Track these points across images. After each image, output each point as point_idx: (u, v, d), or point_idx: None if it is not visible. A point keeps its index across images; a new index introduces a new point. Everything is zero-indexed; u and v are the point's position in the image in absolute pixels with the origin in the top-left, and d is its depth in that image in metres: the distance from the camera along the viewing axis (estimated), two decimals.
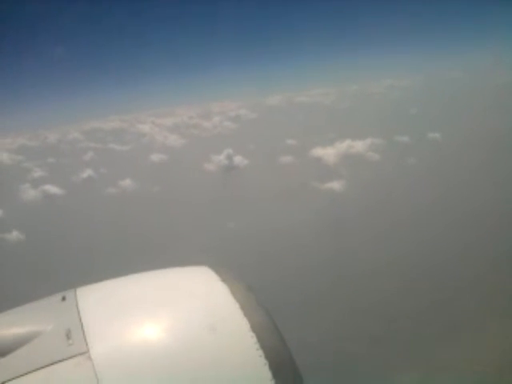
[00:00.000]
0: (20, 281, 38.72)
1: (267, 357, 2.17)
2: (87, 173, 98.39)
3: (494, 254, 37.82)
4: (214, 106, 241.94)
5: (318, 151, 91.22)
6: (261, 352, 2.19)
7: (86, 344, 2.21)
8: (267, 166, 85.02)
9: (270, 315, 2.50)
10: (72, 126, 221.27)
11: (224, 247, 43.99)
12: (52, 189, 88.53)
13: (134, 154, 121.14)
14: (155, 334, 2.31)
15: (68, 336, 2.28)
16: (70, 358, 2.15)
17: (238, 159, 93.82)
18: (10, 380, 2.06)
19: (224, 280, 2.67)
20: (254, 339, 2.23)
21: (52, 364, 2.12)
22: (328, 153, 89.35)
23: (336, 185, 69.19)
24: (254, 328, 2.29)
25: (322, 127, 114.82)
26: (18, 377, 2.07)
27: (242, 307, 2.40)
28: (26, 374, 2.08)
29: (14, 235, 61.94)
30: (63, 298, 2.70)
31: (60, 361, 2.13)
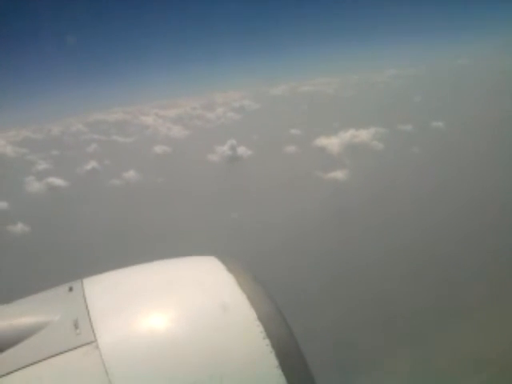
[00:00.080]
0: (26, 272, 39.04)
1: (274, 346, 2.17)
2: (91, 165, 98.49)
3: (499, 243, 37.69)
4: (217, 97, 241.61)
5: (322, 141, 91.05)
6: (268, 341, 2.18)
7: (94, 333, 2.23)
8: (271, 157, 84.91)
9: (277, 305, 2.49)
10: (75, 118, 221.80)
11: (228, 237, 44.08)
12: (56, 181, 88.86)
13: (138, 146, 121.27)
14: (162, 323, 2.32)
15: (75, 326, 2.30)
16: (78, 347, 2.16)
17: (242, 150, 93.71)
18: (18, 369, 2.09)
19: (230, 270, 2.66)
20: (261, 328, 2.23)
21: (60, 353, 2.14)
22: (332, 142, 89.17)
23: (340, 174, 69.05)
24: (261, 318, 2.28)
25: (325, 117, 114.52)
26: (26, 366, 2.09)
27: (249, 297, 2.40)
28: (35, 363, 2.10)
29: (19, 227, 62.27)
30: (70, 289, 2.70)
31: (68, 350, 2.15)
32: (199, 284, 2.62)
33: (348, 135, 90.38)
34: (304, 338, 2.90)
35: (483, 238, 39.31)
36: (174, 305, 2.45)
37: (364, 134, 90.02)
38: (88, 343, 2.17)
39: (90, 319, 2.33)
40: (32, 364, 2.10)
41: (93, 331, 2.24)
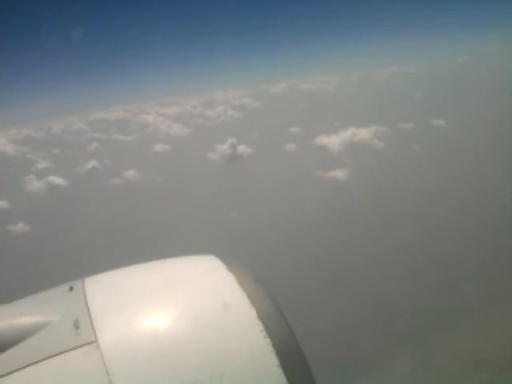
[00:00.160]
0: (26, 272, 39.04)
1: (274, 345, 2.18)
2: (91, 164, 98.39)
3: (499, 243, 37.63)
4: (217, 95, 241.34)
5: (323, 139, 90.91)
6: (268, 340, 2.19)
7: (95, 333, 2.23)
8: (271, 155, 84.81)
9: (278, 305, 2.50)
10: (76, 117, 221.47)
11: (227, 236, 44.05)
12: (57, 180, 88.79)
13: (138, 145, 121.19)
14: (162, 322, 2.33)
15: (76, 326, 2.30)
16: (79, 347, 2.16)
17: (242, 148, 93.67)
18: (19, 369, 2.08)
19: (231, 269, 2.66)
20: (261, 327, 2.24)
21: (61, 353, 2.14)
22: (332, 141, 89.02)
23: (340, 173, 68.95)
24: (262, 317, 2.29)
25: (325, 115, 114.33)
26: (27, 366, 2.09)
27: (249, 296, 2.40)
28: (35, 363, 2.10)
29: (20, 227, 62.24)
30: (71, 288, 2.70)
31: (68, 350, 2.15)
32: (199, 283, 2.63)
33: (348, 134, 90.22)
34: (304, 337, 2.90)
35: (483, 237, 39.23)
36: (174, 304, 2.46)
37: (364, 133, 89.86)
38: (89, 343, 2.18)
39: (90, 319, 2.33)
40: (32, 364, 2.10)
41: (93, 331, 2.24)
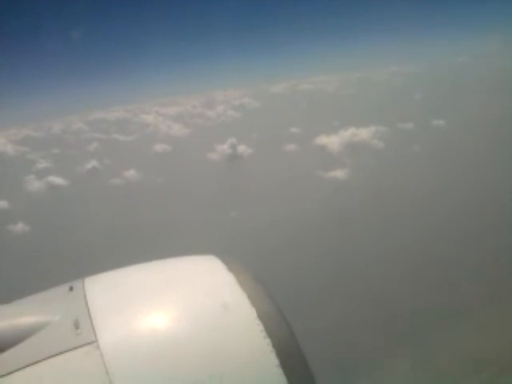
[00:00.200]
0: (26, 272, 39.02)
1: (274, 345, 2.18)
2: (91, 164, 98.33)
3: (499, 243, 37.59)
4: (217, 95, 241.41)
5: (322, 139, 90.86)
6: (268, 340, 2.19)
7: (95, 333, 2.23)
8: (271, 155, 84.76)
9: (278, 305, 2.50)
10: (76, 117, 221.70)
11: (227, 236, 44.04)
12: (56, 180, 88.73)
13: (138, 145, 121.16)
14: (162, 322, 2.33)
15: (76, 326, 2.30)
16: (79, 347, 2.16)
17: (242, 148, 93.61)
18: (19, 370, 2.08)
19: (231, 269, 2.66)
20: (261, 327, 2.24)
21: (61, 353, 2.14)
22: (332, 141, 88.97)
23: (340, 173, 68.91)
24: (262, 317, 2.29)
25: (325, 115, 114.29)
26: (27, 366, 2.10)
27: (249, 296, 2.40)
28: (35, 363, 2.10)
29: (19, 227, 62.20)
30: (71, 288, 2.70)
31: (68, 350, 2.15)
32: (199, 283, 2.63)
33: (348, 134, 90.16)
34: (304, 337, 2.91)
35: (483, 237, 39.20)
36: (174, 304, 2.46)
37: (364, 133, 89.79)
38: (89, 343, 2.18)
39: (90, 319, 2.33)
40: (32, 364, 2.10)
41: (93, 331, 2.24)
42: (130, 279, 2.80)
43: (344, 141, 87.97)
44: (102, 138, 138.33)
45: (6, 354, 2.20)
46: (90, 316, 2.35)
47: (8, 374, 2.08)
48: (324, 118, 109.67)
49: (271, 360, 2.14)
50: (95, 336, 2.21)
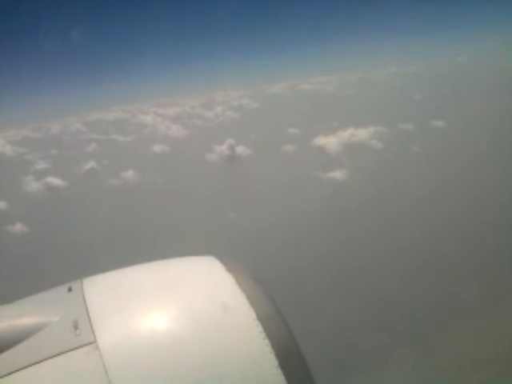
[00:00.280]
0: (25, 273, 38.99)
1: (273, 346, 2.18)
2: (90, 164, 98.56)
3: (499, 243, 37.63)
4: (216, 96, 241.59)
5: (321, 140, 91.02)
6: (267, 341, 2.19)
7: (94, 334, 2.24)
8: (269, 156, 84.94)
9: (277, 305, 2.51)
10: (75, 117, 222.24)
11: (226, 237, 44.03)
12: (55, 181, 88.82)
13: (137, 145, 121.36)
14: (161, 323, 2.34)
15: (75, 326, 2.31)
16: (78, 348, 2.18)
17: (241, 149, 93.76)
18: (18, 370, 2.09)
19: (230, 270, 2.67)
20: (261, 328, 2.24)
21: (60, 354, 2.15)
22: (331, 141, 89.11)
23: (339, 174, 69.00)
24: (261, 318, 2.29)
25: (324, 115, 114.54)
26: (26, 367, 2.10)
27: (248, 297, 2.41)
28: (35, 364, 2.11)
29: (18, 227, 62.27)
30: (69, 289, 2.71)
31: (68, 351, 2.16)
32: (198, 284, 2.65)
33: (347, 134, 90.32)
34: (304, 338, 2.83)
35: (483, 238, 39.25)
36: (173, 305, 2.47)
37: (363, 133, 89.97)
38: (88, 344, 2.18)
39: (89, 320, 2.34)
40: (32, 365, 2.11)
41: (92, 332, 2.25)
42: (128, 280, 2.81)
43: (343, 141, 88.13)
44: (101, 138, 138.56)
45: (5, 355, 2.21)
46: (88, 317, 2.36)
47: (7, 374, 2.08)
48: (323, 118, 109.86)
49: (270, 361, 2.14)
50: (94, 337, 2.22)
